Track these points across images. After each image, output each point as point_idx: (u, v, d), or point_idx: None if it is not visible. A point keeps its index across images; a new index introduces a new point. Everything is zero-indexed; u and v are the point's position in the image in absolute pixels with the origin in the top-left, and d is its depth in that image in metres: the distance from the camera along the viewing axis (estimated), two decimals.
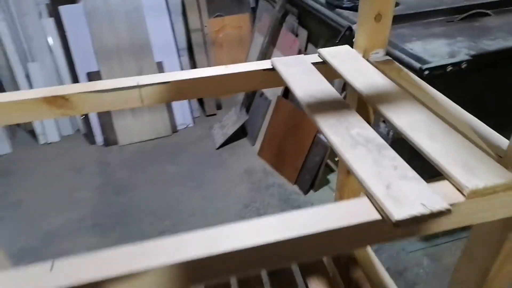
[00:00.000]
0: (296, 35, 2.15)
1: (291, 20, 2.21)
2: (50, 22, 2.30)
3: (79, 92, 0.59)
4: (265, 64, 0.64)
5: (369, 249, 0.84)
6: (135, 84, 0.60)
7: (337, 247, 0.36)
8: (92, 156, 2.37)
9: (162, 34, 2.50)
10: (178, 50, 2.56)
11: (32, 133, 2.50)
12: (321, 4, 1.84)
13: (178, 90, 0.62)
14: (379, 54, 0.65)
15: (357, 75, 0.58)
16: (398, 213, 0.35)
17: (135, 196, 2.03)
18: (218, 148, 2.39)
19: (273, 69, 0.63)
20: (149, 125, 2.49)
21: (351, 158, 0.42)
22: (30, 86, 2.31)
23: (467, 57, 1.33)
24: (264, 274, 0.80)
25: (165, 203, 1.97)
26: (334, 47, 0.68)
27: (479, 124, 0.47)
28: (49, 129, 2.45)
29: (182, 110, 2.58)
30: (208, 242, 0.35)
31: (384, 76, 0.58)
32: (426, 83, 0.57)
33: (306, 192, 1.99)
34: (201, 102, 2.77)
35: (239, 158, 2.29)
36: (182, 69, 2.61)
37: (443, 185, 0.39)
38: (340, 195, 0.81)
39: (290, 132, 2.05)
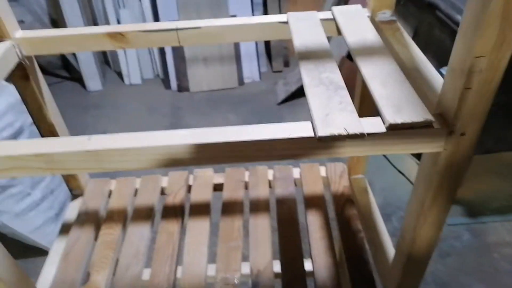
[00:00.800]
0: None
1: None
2: None
3: (133, 31, 0.76)
4: (281, 18, 0.75)
5: (370, 194, 0.95)
6: (174, 27, 0.75)
7: (278, 155, 0.50)
8: (166, 99, 2.65)
9: None
10: (252, 4, 2.68)
11: (119, 74, 2.84)
12: None
13: (208, 35, 0.76)
14: (386, 14, 0.72)
15: (353, 32, 0.67)
16: (323, 131, 0.46)
17: None
18: (279, 104, 2.52)
19: (287, 22, 0.74)
20: (218, 75, 2.68)
21: (311, 93, 0.53)
22: None
23: None
24: (273, 202, 0.95)
25: None
26: (348, 5, 0.76)
27: (433, 74, 0.55)
28: (133, 72, 2.77)
29: (250, 65, 2.73)
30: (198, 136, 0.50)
31: (377, 34, 0.66)
32: (413, 42, 0.64)
33: None
34: (269, 57, 2.89)
35: (297, 114, 2.41)
36: None
37: (373, 119, 0.49)
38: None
39: (350, 93, 2.10)
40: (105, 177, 1.01)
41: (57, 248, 0.89)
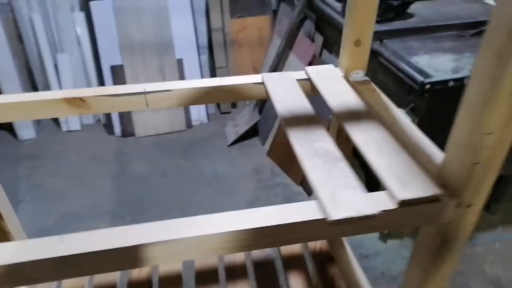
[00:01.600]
0: (313, 40, 2.22)
1: (308, 25, 2.28)
2: (80, 16, 2.44)
3: (94, 95, 0.69)
4: (256, 78, 0.72)
5: (347, 248, 0.92)
6: (142, 90, 0.70)
7: (286, 240, 0.45)
8: (110, 145, 2.50)
9: (184, 32, 2.60)
10: (198, 48, 2.67)
11: (55, 120, 2.65)
12: (337, 12, 1.91)
13: (178, 97, 0.71)
14: (359, 75, 0.72)
15: (333, 94, 0.66)
16: (335, 214, 0.43)
17: (147, 186, 2.15)
18: (229, 146, 2.48)
19: (262, 83, 0.72)
20: (165, 119, 2.60)
21: (309, 167, 0.50)
22: (58, 75, 2.46)
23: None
24: (249, 266, 0.89)
25: (176, 195, 2.08)
26: (320, 65, 0.76)
27: (425, 142, 0.55)
28: (71, 118, 2.60)
29: (198, 107, 2.69)
30: (185, 227, 0.44)
31: (357, 95, 0.66)
32: (392, 104, 0.64)
33: (310, 194, 2.07)
34: None
35: (248, 156, 2.39)
36: (201, 67, 2.72)
37: (381, 195, 0.47)
38: None
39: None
40: None
41: None
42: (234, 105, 2.86)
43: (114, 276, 0.86)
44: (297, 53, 2.36)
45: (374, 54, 1.62)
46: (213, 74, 2.81)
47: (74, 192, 2.11)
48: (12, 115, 0.67)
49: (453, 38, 1.71)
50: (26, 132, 2.49)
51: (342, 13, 1.85)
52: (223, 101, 0.74)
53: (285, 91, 0.67)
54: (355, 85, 0.69)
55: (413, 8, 1.82)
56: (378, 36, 1.59)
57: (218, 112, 2.82)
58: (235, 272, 0.86)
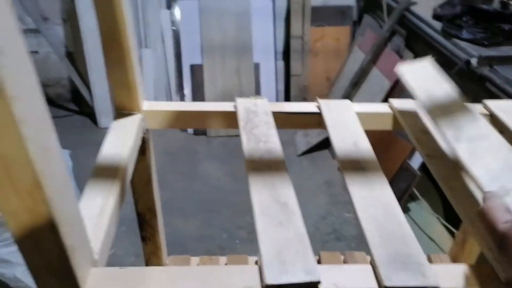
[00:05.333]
0: (401, 57, 2.13)
1: (397, 40, 2.20)
2: (167, 14, 2.50)
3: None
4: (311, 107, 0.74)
5: None
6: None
7: None
8: (181, 142, 2.54)
9: (264, 37, 2.60)
10: (276, 54, 2.66)
11: None
12: (434, 30, 1.81)
13: None
14: None
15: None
16: None
17: (216, 187, 2.15)
18: (299, 155, 2.44)
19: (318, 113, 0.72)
20: None
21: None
22: (141, 69, 2.53)
23: None
24: None
25: (245, 199, 2.06)
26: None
27: None
28: None
29: None
30: None
31: None
32: None
33: None
34: None
35: (320, 168, 2.34)
36: (276, 72, 2.70)
37: None
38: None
39: (377, 152, 2.04)
40: None
41: None
42: None
43: None
44: (382, 68, 2.27)
45: (480, 79, 1.52)
46: (287, 81, 2.79)
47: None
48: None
49: None
50: (106, 120, 2.58)
51: (442, 32, 1.75)
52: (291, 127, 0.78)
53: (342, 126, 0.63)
54: None
55: None
56: (488, 60, 1.49)
57: None
58: None
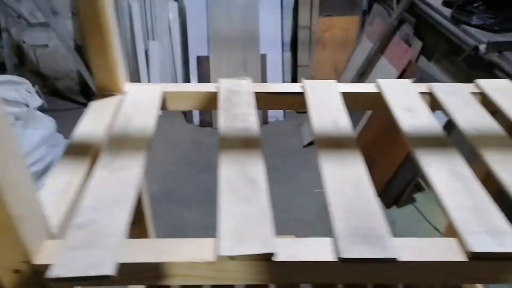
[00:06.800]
0: (409, 45, 2.08)
1: (406, 29, 2.14)
2: (174, 5, 2.50)
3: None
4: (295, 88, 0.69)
5: None
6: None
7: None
8: (187, 133, 2.55)
9: (271, 28, 2.58)
10: (283, 45, 2.63)
11: None
12: (444, 17, 1.76)
13: None
14: None
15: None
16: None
17: None
18: (305, 146, 2.42)
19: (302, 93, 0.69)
20: None
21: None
22: (147, 61, 2.55)
23: None
24: None
25: None
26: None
27: None
28: None
29: None
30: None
31: None
32: None
33: (388, 206, 1.94)
34: None
35: None
36: (283, 63, 2.68)
37: None
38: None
39: (382, 143, 2.01)
40: None
41: None
42: None
43: None
44: (390, 57, 2.22)
45: (489, 65, 1.47)
46: (294, 72, 2.76)
47: (147, 176, 2.17)
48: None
49: None
50: None
51: (452, 19, 1.70)
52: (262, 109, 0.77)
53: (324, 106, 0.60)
54: None
55: None
56: (497, 46, 1.44)
57: (295, 111, 2.76)
58: None
